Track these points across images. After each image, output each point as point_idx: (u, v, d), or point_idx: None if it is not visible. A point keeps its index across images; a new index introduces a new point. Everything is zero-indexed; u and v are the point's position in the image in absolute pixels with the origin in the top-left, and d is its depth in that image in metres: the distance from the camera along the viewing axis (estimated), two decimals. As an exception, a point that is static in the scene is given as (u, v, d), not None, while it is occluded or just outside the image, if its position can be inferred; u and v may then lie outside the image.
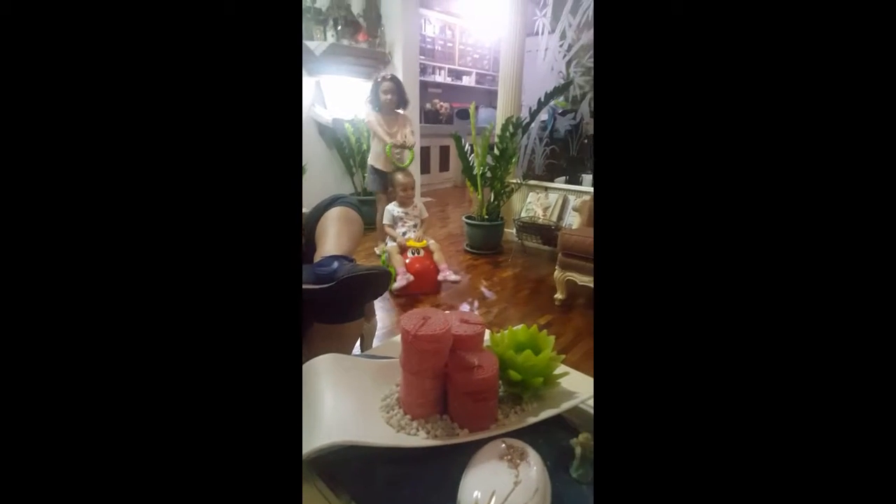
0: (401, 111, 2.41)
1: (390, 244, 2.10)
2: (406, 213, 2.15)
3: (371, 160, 2.46)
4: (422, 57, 4.50)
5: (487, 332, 0.57)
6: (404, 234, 2.11)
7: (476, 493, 0.38)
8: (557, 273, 1.85)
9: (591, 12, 2.52)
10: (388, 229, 2.15)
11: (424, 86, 4.90)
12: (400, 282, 1.93)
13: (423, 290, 2.02)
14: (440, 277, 2.00)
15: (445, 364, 0.48)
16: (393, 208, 2.16)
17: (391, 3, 3.27)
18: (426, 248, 2.06)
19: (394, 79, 2.34)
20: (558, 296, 1.88)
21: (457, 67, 5.57)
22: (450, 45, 5.41)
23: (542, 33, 2.74)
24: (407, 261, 2.02)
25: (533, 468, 0.41)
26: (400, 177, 2.17)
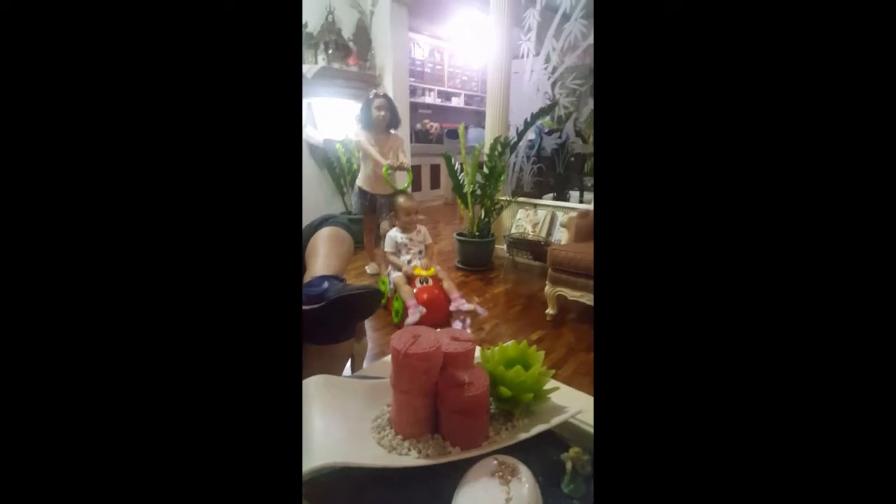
0: (392, 131, 2.31)
1: (395, 274, 1.89)
2: (410, 240, 1.97)
3: (359, 181, 2.35)
4: (411, 79, 4.60)
5: (478, 348, 0.58)
6: (409, 261, 1.93)
7: (468, 513, 0.38)
8: (548, 288, 1.87)
9: (573, 37, 2.61)
10: (391, 258, 1.95)
11: (414, 107, 4.99)
12: (412, 316, 1.74)
13: (434, 323, 1.76)
14: (452, 307, 1.82)
15: (436, 382, 0.48)
16: (395, 234, 1.97)
17: (381, 27, 3.36)
18: (434, 277, 1.89)
19: (386, 96, 2.24)
20: (549, 311, 1.89)
21: (446, 89, 5.69)
22: (439, 67, 5.54)
23: (528, 56, 2.82)
24: (414, 290, 1.84)
25: (525, 485, 0.41)
26: (402, 200, 1.98)
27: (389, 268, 1.97)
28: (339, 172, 3.31)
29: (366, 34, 3.40)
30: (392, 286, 1.90)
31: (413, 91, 4.97)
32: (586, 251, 1.72)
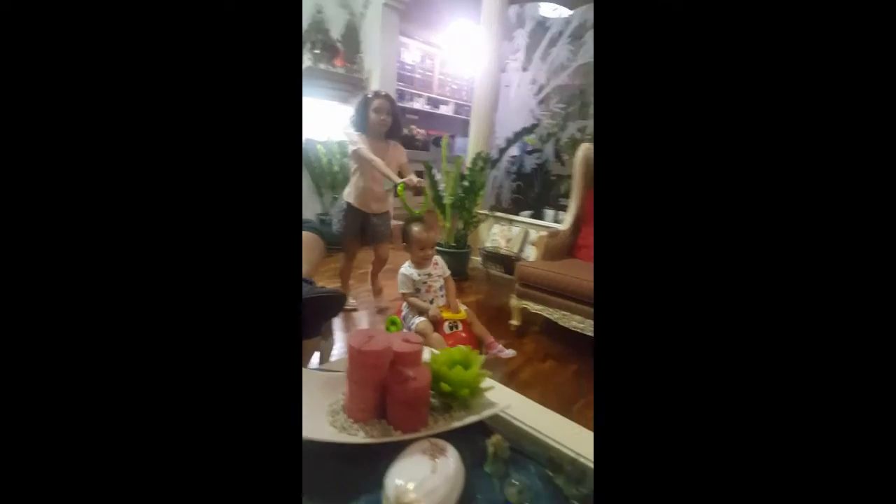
0: (392, 140, 1.91)
1: (417, 320, 1.51)
2: (429, 276, 1.56)
3: (348, 196, 1.90)
4: (400, 83, 4.65)
5: (427, 350, 0.66)
6: (431, 301, 1.55)
7: (398, 481, 0.46)
8: (514, 301, 1.97)
9: (560, 60, 2.75)
10: (412, 300, 1.55)
11: (402, 112, 5.05)
12: None
13: None
14: (492, 356, 1.49)
15: (385, 376, 0.57)
16: (410, 271, 1.56)
17: (371, 30, 3.38)
18: (464, 320, 1.53)
19: (387, 97, 1.82)
20: (514, 322, 1.99)
21: (435, 96, 5.77)
22: (429, 73, 5.62)
23: (516, 72, 2.95)
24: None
25: (450, 461, 0.50)
26: (417, 231, 1.53)
27: (405, 310, 1.59)
28: (319, 173, 3.34)
29: (355, 36, 3.39)
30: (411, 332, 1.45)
31: (401, 96, 5.04)
32: (551, 269, 1.83)
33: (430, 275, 1.56)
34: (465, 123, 5.96)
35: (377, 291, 2.17)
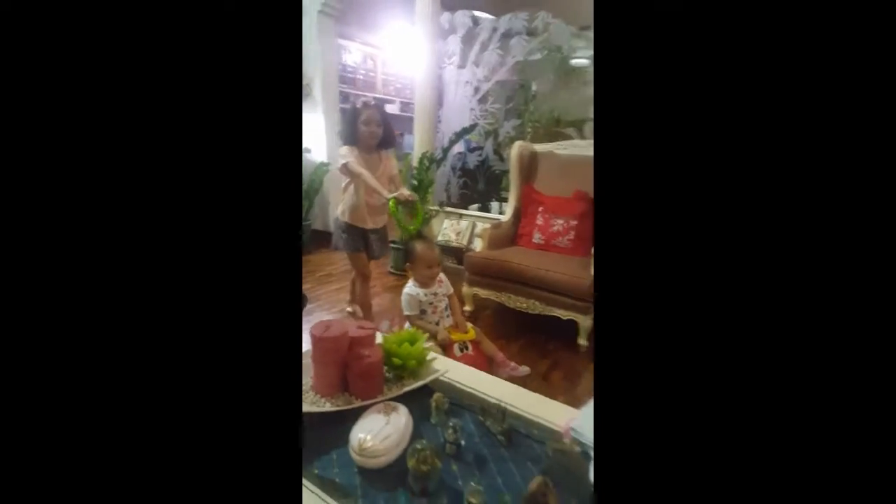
0: (383, 151, 1.77)
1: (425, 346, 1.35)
2: (434, 295, 1.46)
3: (344, 215, 1.78)
4: (343, 85, 4.66)
5: (379, 333, 0.80)
6: (437, 322, 1.45)
7: (359, 435, 0.59)
8: (465, 289, 2.14)
9: (491, 63, 2.91)
10: (417, 324, 1.43)
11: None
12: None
13: None
14: (504, 375, 1.36)
15: (345, 357, 0.69)
16: (416, 291, 1.45)
17: (307, 36, 3.41)
18: (474, 340, 1.45)
19: (377, 107, 1.71)
20: (467, 307, 2.16)
21: (380, 96, 5.82)
22: (372, 74, 5.65)
23: (453, 74, 3.09)
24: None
25: (401, 416, 0.63)
26: (421, 249, 1.43)
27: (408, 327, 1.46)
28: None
29: (295, 44, 3.44)
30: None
31: (346, 98, 5.05)
32: (495, 257, 2.01)
33: (435, 294, 1.45)
34: (412, 121, 6.08)
35: (358, 302, 2.08)
